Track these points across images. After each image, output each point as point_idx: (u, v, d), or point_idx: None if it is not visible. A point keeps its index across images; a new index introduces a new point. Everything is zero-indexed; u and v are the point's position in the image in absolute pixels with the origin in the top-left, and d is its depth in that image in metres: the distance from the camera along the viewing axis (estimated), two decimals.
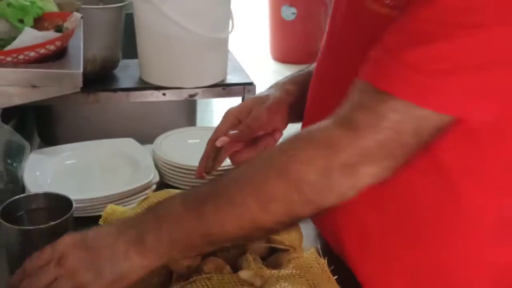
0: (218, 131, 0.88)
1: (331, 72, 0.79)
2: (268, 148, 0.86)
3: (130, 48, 1.54)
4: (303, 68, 0.97)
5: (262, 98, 0.89)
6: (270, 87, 0.93)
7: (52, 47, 1.05)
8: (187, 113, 1.80)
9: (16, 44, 1.00)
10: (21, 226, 0.81)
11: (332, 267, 0.74)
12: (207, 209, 0.63)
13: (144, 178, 1.02)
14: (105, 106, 1.61)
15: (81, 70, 1.06)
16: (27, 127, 1.65)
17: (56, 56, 1.11)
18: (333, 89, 0.75)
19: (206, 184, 0.68)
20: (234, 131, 0.86)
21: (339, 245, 0.82)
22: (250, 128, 0.86)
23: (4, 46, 1.01)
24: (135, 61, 1.53)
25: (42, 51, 1.03)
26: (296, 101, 0.89)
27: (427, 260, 0.73)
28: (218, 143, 0.86)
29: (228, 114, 0.90)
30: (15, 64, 1.03)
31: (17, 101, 1.05)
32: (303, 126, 0.87)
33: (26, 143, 1.01)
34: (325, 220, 0.80)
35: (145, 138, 1.18)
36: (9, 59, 1.02)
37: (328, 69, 0.81)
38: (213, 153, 0.89)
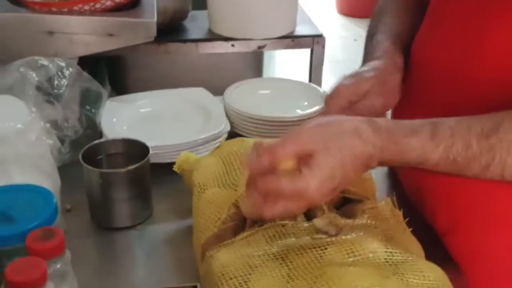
0: (328, 114, 0.76)
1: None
2: None
3: None
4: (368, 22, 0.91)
5: (378, 80, 0.78)
6: (376, 56, 0.81)
7: None
8: (254, 65, 1.80)
9: None
10: (101, 169, 0.84)
11: (408, 218, 0.73)
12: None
13: (216, 127, 1.03)
14: (175, 57, 1.63)
15: (155, 19, 1.07)
16: (99, 77, 1.70)
17: (130, 5, 1.13)
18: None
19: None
20: None
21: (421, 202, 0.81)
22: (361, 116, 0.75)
23: None
24: (204, 12, 1.53)
25: None
26: (402, 75, 0.82)
27: None
28: None
29: (340, 92, 0.76)
30: (92, 13, 1.05)
31: (94, 49, 1.08)
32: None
33: (103, 90, 1.04)
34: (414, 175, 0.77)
35: (213, 89, 1.19)
36: (86, 7, 1.04)
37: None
38: None
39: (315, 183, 0.59)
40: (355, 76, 0.78)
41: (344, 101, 0.76)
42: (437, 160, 0.61)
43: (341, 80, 0.78)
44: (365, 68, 0.80)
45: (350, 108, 0.76)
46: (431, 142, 0.61)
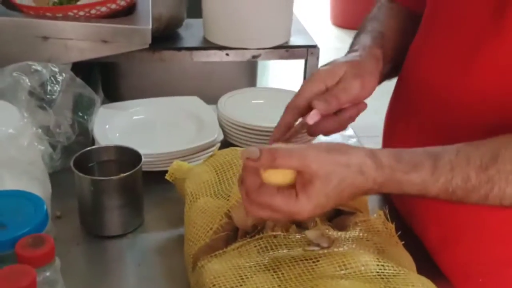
0: (301, 96, 0.76)
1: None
2: None
3: (194, 7, 1.54)
4: None
5: (354, 64, 0.78)
6: (354, 49, 0.84)
7: (122, 3, 1.06)
8: (248, 75, 1.80)
9: None
10: (93, 177, 0.84)
11: (400, 232, 0.73)
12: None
13: (209, 136, 1.03)
14: (169, 65, 1.63)
15: (150, 26, 1.07)
16: (92, 84, 1.69)
17: (126, 12, 1.13)
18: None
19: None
20: (322, 102, 0.74)
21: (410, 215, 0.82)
22: (339, 100, 0.75)
23: (77, 1, 1.03)
24: (199, 20, 1.53)
25: (113, 6, 1.05)
26: (382, 68, 0.82)
27: None
28: (310, 121, 0.74)
29: (315, 77, 0.77)
30: (87, 19, 1.05)
31: (88, 55, 1.07)
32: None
33: (96, 97, 1.03)
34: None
35: (207, 98, 1.18)
36: (81, 13, 1.04)
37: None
38: (293, 122, 0.78)
39: (309, 209, 0.60)
40: (331, 63, 0.79)
41: (320, 85, 0.76)
42: (437, 193, 0.62)
43: (317, 69, 0.80)
44: (341, 57, 0.82)
45: (328, 92, 0.76)
46: (432, 177, 0.62)
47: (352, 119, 0.79)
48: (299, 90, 0.77)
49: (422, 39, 0.82)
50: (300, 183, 0.61)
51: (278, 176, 0.62)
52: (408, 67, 0.85)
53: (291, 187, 0.61)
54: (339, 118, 0.77)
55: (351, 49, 0.85)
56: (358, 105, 0.78)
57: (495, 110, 0.69)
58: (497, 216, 0.72)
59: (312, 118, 0.74)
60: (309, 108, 0.75)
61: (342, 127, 0.79)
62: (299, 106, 0.76)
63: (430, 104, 0.77)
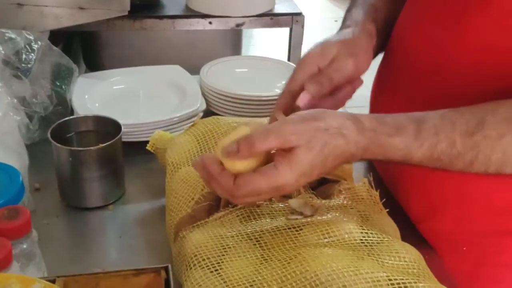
0: (294, 80, 0.74)
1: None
2: None
3: None
4: None
5: (346, 43, 0.76)
6: (346, 24, 0.81)
7: None
8: (233, 44, 1.77)
9: None
10: (71, 147, 0.82)
11: (384, 200, 0.72)
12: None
13: (191, 105, 1.01)
14: (151, 34, 1.60)
15: None
16: (73, 54, 1.66)
17: None
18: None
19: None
20: (313, 85, 0.72)
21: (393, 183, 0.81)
22: (332, 80, 0.73)
23: None
24: None
25: None
26: (375, 43, 0.80)
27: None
28: (300, 103, 0.72)
29: (307, 59, 0.75)
30: None
31: (65, 23, 1.04)
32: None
33: (75, 66, 1.00)
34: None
35: (190, 67, 1.16)
36: None
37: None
38: (288, 107, 0.75)
39: (293, 179, 0.59)
40: (323, 43, 0.77)
41: (312, 67, 0.74)
42: (421, 158, 0.61)
43: (309, 49, 0.77)
44: (333, 35, 0.79)
45: (321, 74, 0.74)
46: (415, 141, 0.60)
47: (348, 96, 0.77)
48: (292, 75, 0.75)
49: (409, 11, 0.80)
50: (279, 155, 0.59)
51: (243, 163, 0.60)
52: (395, 38, 0.83)
53: (269, 164, 0.59)
54: (335, 97, 0.76)
55: (344, 25, 0.82)
56: (354, 83, 0.76)
57: (481, 81, 0.68)
58: (482, 186, 0.72)
59: (302, 100, 0.72)
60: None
61: (339, 105, 0.77)
62: (293, 90, 0.74)
63: (416, 75, 0.76)
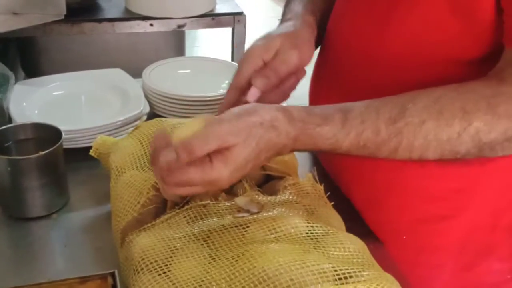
0: (241, 75, 0.75)
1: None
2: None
3: None
4: None
5: (289, 35, 0.77)
6: (287, 18, 0.83)
7: None
8: (176, 46, 1.76)
9: None
10: (9, 156, 0.79)
11: (329, 193, 0.74)
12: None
13: (135, 108, 0.99)
14: (90, 38, 1.57)
15: None
16: (10, 61, 1.60)
17: None
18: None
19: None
20: (260, 79, 0.74)
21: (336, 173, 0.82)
22: (278, 73, 0.74)
23: None
24: None
25: None
26: (316, 34, 0.82)
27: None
28: (250, 98, 0.73)
29: (251, 53, 0.76)
30: None
31: None
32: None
33: (11, 73, 0.97)
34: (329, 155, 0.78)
35: (133, 71, 1.14)
36: None
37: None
38: (236, 102, 0.75)
39: (227, 174, 0.59)
40: (266, 37, 0.78)
41: (257, 60, 0.75)
42: (349, 147, 0.63)
43: (252, 44, 0.78)
44: (275, 29, 0.80)
45: (266, 67, 0.75)
46: (343, 129, 0.62)
47: (293, 88, 0.79)
48: (238, 70, 0.76)
49: (341, 4, 0.82)
50: (216, 150, 0.59)
51: (188, 130, 0.60)
52: (329, 32, 0.85)
53: (204, 157, 0.59)
54: (281, 89, 0.77)
55: (284, 19, 0.84)
56: (297, 73, 0.78)
57: (408, 71, 0.70)
58: (418, 175, 0.74)
59: (253, 95, 0.74)
60: (250, 86, 0.74)
61: (285, 97, 0.79)
62: (240, 86, 0.75)
63: (349, 68, 0.78)
